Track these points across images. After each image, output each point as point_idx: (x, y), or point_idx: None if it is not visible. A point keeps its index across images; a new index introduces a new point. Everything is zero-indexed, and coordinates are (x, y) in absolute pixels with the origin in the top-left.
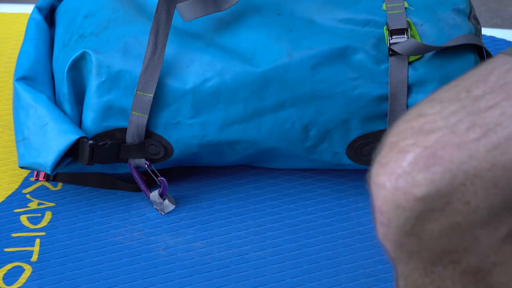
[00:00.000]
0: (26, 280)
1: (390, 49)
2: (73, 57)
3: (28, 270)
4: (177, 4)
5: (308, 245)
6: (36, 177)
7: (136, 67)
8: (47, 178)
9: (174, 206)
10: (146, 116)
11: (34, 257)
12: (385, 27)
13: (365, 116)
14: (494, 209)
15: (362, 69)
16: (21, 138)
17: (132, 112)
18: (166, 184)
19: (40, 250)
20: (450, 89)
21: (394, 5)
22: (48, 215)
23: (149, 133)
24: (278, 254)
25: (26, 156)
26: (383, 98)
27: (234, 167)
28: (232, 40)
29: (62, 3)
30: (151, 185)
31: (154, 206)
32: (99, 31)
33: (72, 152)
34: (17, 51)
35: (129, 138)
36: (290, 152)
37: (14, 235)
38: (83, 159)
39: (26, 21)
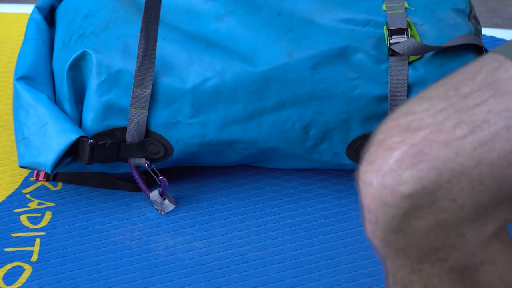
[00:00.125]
0: (26, 280)
1: (390, 49)
2: (73, 57)
3: (28, 270)
4: None
5: (308, 245)
6: (36, 177)
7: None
8: (47, 178)
9: (174, 206)
10: (146, 112)
11: (34, 257)
12: (385, 27)
13: (365, 116)
14: (481, 206)
15: (362, 69)
16: (21, 138)
17: (132, 109)
18: (167, 183)
19: (40, 250)
20: (438, 87)
21: (394, 5)
22: (48, 215)
23: (149, 132)
24: (278, 254)
25: (26, 156)
26: (383, 98)
27: (234, 167)
28: (232, 40)
29: (62, 3)
30: (151, 185)
31: (154, 206)
32: (99, 31)
33: (72, 152)
34: (17, 51)
35: (129, 136)
36: (290, 152)
37: (14, 235)
38: (83, 159)
39: (26, 21)
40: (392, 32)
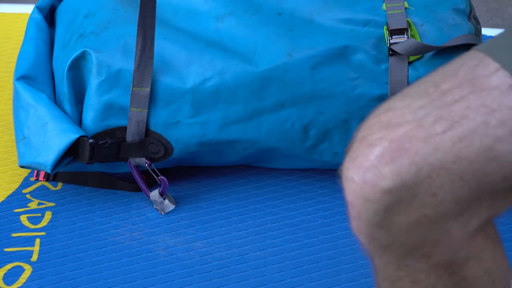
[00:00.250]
0: (26, 280)
1: (390, 49)
2: (73, 57)
3: (28, 270)
4: None
5: (308, 245)
6: (36, 177)
7: None
8: (47, 178)
9: (174, 206)
10: (146, 111)
11: (34, 257)
12: (385, 27)
13: (365, 116)
14: (462, 201)
15: (362, 69)
16: (21, 138)
17: (131, 108)
18: (167, 183)
19: (40, 250)
20: (420, 84)
21: (394, 5)
22: (48, 215)
23: (149, 132)
24: (278, 254)
25: (26, 156)
26: (383, 98)
27: (234, 167)
28: (232, 40)
29: (62, 3)
30: (151, 185)
31: (154, 206)
32: (99, 31)
33: (72, 151)
34: (17, 51)
35: (129, 136)
36: (290, 152)
37: (14, 235)
38: (83, 158)
39: (26, 21)
40: (392, 32)
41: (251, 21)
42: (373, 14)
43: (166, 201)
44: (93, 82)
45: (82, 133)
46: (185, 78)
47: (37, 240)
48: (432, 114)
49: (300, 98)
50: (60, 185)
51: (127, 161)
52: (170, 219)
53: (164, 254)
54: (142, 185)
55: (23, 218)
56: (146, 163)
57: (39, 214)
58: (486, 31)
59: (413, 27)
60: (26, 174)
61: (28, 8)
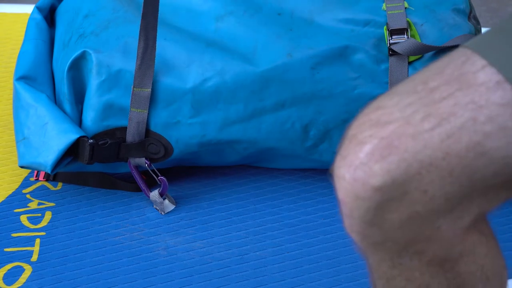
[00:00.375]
0: (26, 280)
1: (390, 49)
2: (73, 57)
3: (28, 270)
4: None
5: (308, 245)
6: (36, 177)
7: None
8: (47, 178)
9: (174, 206)
10: (146, 112)
11: (34, 257)
12: (385, 27)
13: None
14: (452, 197)
15: (362, 69)
16: (21, 138)
17: (132, 109)
18: (167, 183)
19: (40, 250)
20: (408, 82)
21: (394, 5)
22: (48, 215)
23: (149, 132)
24: (278, 254)
25: (26, 156)
26: None
27: (234, 167)
28: (232, 40)
29: (62, 3)
30: (151, 185)
31: (154, 206)
32: (99, 31)
33: (72, 152)
34: (17, 51)
35: (130, 136)
36: (290, 152)
37: (14, 235)
38: (83, 159)
39: (26, 21)
40: (392, 32)
41: (251, 21)
42: (373, 14)
43: (166, 201)
44: (93, 82)
45: (82, 134)
46: (185, 78)
47: (37, 240)
48: (420, 111)
49: (300, 98)
50: (60, 185)
51: (127, 162)
52: (170, 219)
53: (164, 254)
54: (142, 185)
55: (23, 218)
56: (146, 163)
57: (39, 214)
58: None
59: (413, 27)
60: (26, 174)
61: (28, 8)
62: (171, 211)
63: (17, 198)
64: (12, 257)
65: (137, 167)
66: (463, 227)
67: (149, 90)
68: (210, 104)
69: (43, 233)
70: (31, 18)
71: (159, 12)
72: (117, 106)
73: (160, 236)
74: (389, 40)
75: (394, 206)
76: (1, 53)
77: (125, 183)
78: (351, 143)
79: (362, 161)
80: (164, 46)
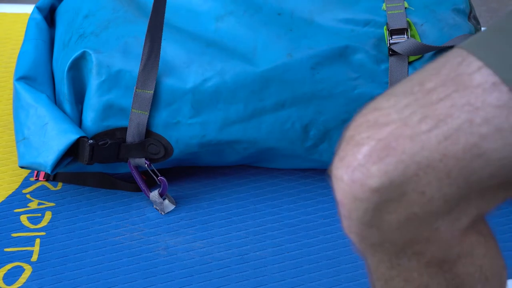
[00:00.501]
0: (26, 280)
1: (390, 49)
2: (73, 57)
3: (28, 270)
4: None
5: (308, 245)
6: (36, 177)
7: (136, 67)
8: (47, 178)
9: (174, 206)
10: (147, 114)
11: (34, 257)
12: (385, 27)
13: None
14: (450, 199)
15: (362, 69)
16: (21, 138)
17: (133, 110)
18: (166, 183)
19: (40, 250)
20: (405, 83)
21: (394, 5)
22: (48, 215)
23: (149, 132)
24: (278, 254)
25: (26, 156)
26: None
27: (234, 167)
28: (232, 40)
29: (62, 3)
30: (151, 185)
31: (154, 206)
32: (99, 31)
33: (72, 152)
34: (17, 51)
35: (130, 137)
36: (290, 152)
37: (14, 235)
38: (83, 159)
39: (26, 21)
40: (392, 32)
41: (251, 21)
42: (373, 14)
43: (166, 201)
44: (93, 82)
45: (82, 134)
46: (185, 78)
47: (37, 240)
48: (417, 112)
49: (300, 98)
50: (60, 185)
51: (127, 162)
52: (170, 219)
53: (164, 254)
54: (142, 186)
55: (23, 218)
56: (146, 163)
57: (39, 214)
58: None
59: (413, 27)
60: (26, 174)
61: (28, 8)
62: (171, 211)
63: (17, 198)
64: (12, 257)
65: (137, 167)
66: (461, 229)
67: (152, 92)
68: (210, 104)
69: (43, 233)
70: (31, 18)
71: None
72: (117, 107)
73: (160, 236)
74: (389, 40)
75: (392, 208)
76: (1, 53)
77: (125, 183)
78: (349, 144)
79: (360, 163)
80: (164, 46)
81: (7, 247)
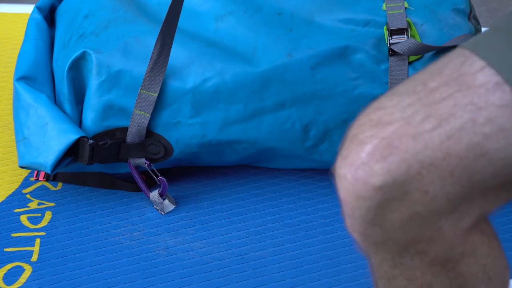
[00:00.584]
0: (26, 280)
1: (390, 49)
2: (73, 57)
3: (28, 270)
4: None
5: (308, 245)
6: (36, 177)
7: (136, 67)
8: (47, 178)
9: (174, 206)
10: (149, 116)
11: (34, 257)
12: (385, 27)
13: None
14: (453, 198)
15: (362, 69)
16: (21, 138)
17: (135, 110)
18: (166, 183)
19: (40, 250)
20: (408, 82)
21: (394, 5)
22: (48, 215)
23: (149, 132)
24: (278, 254)
25: (26, 156)
26: None
27: (234, 167)
28: (232, 40)
29: (62, 3)
30: (151, 185)
31: (154, 206)
32: (99, 31)
33: (72, 152)
34: (17, 51)
35: (130, 137)
36: (290, 152)
37: (14, 235)
38: (83, 159)
39: (26, 21)
40: (392, 32)
41: (251, 21)
42: (373, 14)
43: (166, 201)
44: (93, 82)
45: (82, 134)
46: (185, 78)
47: (37, 240)
48: (420, 112)
49: (300, 98)
50: (60, 185)
51: (127, 162)
52: (170, 219)
53: (164, 254)
54: (142, 186)
55: (23, 218)
56: (146, 163)
57: (39, 214)
58: None
59: (413, 27)
60: (26, 174)
61: (28, 8)
62: (171, 211)
63: (17, 198)
64: (12, 257)
65: (137, 167)
66: (464, 228)
67: (156, 94)
68: (210, 104)
69: (43, 233)
70: (31, 18)
71: (159, 12)
72: (117, 107)
73: (160, 236)
74: (389, 40)
75: (395, 206)
76: (1, 53)
77: (125, 183)
78: (352, 143)
79: (363, 161)
80: None
81: (7, 247)
